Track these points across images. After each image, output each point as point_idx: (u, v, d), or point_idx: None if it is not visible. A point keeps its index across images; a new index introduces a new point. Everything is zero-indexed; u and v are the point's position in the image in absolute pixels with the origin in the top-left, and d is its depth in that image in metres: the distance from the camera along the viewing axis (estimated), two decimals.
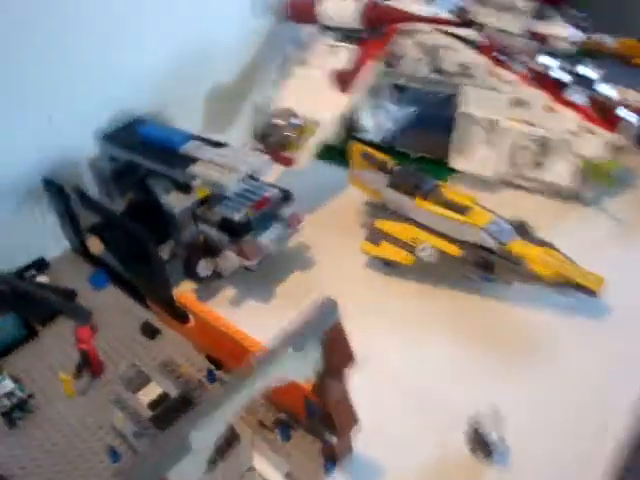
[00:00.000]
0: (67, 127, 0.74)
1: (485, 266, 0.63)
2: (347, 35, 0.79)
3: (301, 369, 0.40)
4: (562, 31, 1.00)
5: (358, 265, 0.70)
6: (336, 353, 0.41)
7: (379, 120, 0.92)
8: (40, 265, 0.76)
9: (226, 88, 0.91)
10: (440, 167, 0.82)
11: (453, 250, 0.64)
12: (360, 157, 0.74)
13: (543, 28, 1.00)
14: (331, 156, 0.80)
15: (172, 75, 0.83)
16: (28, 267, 0.75)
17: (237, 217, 0.61)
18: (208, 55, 0.86)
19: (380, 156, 0.72)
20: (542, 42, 1.00)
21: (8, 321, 0.65)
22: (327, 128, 0.74)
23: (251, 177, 0.62)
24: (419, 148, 0.87)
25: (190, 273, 0.64)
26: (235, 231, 0.61)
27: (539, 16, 0.98)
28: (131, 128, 0.76)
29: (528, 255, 0.61)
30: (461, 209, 0.65)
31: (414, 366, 0.58)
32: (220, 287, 0.68)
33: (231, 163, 0.61)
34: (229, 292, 0.68)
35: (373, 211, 0.72)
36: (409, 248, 0.66)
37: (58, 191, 0.70)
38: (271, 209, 0.63)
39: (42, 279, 0.73)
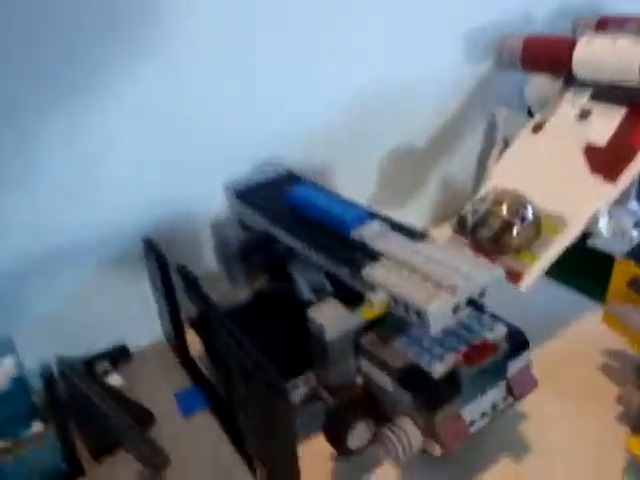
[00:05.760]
0: (188, 171, 0.53)
1: None
2: (605, 94, 0.52)
3: None
4: None
5: (613, 465, 0.41)
6: None
7: (621, 223, 0.63)
8: (118, 356, 0.55)
9: (407, 151, 0.67)
10: None
11: None
12: (626, 285, 0.46)
13: None
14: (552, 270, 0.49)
15: (339, 124, 0.60)
16: (103, 356, 0.54)
17: (439, 370, 0.34)
18: (387, 106, 0.63)
19: None
20: None
21: (45, 450, 0.42)
22: (577, 229, 0.47)
23: (469, 302, 0.35)
24: None
25: (335, 438, 0.38)
26: (428, 392, 0.34)
27: None
28: (277, 186, 0.53)
29: None
30: None
31: None
32: (372, 462, 0.42)
33: (440, 274, 0.35)
34: (390, 476, 0.41)
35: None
36: None
37: (158, 260, 0.48)
38: (493, 362, 0.36)
39: (115, 379, 0.52)
